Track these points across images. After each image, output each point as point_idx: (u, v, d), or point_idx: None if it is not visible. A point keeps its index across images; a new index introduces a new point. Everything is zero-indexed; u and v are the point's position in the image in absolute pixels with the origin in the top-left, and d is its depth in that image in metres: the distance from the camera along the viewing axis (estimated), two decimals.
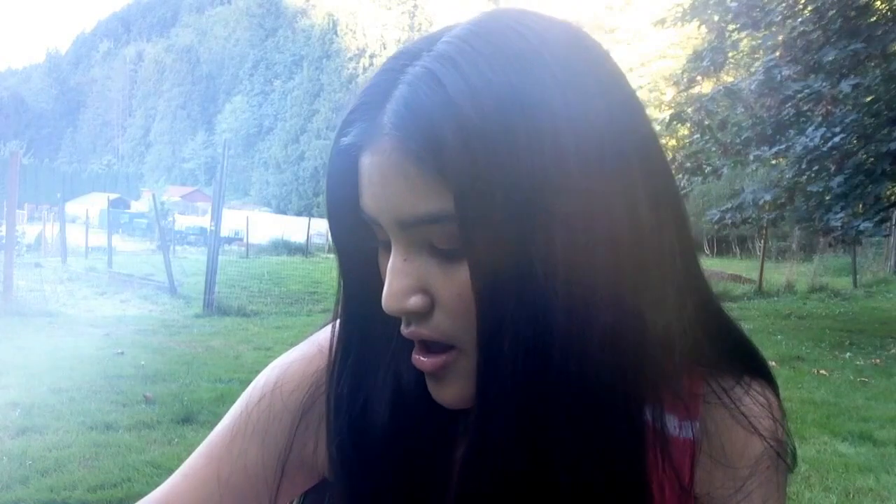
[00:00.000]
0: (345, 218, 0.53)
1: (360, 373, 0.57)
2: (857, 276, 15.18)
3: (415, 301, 0.49)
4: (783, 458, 0.58)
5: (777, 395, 0.61)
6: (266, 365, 0.61)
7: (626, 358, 0.48)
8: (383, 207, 0.49)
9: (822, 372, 6.36)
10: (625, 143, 0.48)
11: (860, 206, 7.76)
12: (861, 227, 7.73)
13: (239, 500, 0.61)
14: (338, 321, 0.60)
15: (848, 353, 7.32)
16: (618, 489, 0.49)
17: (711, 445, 0.56)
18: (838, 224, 7.83)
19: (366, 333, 0.57)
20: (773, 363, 6.65)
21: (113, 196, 35.34)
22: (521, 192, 0.45)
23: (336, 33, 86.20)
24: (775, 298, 12.70)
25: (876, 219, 7.81)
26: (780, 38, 8.58)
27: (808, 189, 8.26)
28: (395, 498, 0.55)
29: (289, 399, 0.61)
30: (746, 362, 0.60)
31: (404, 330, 0.51)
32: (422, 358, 0.51)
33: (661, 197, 0.50)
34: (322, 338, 0.63)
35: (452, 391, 0.51)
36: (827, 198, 7.98)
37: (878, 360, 6.96)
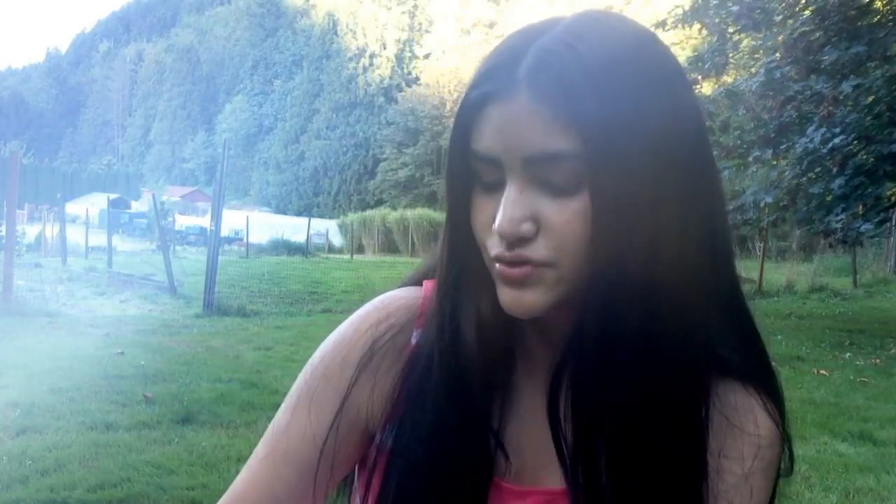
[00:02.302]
0: (459, 162, 0.61)
1: (457, 301, 0.65)
2: (857, 276, 15.18)
3: (526, 227, 0.58)
4: (775, 460, 0.66)
5: (779, 407, 0.67)
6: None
7: (696, 311, 0.60)
8: (511, 146, 0.57)
9: (822, 372, 6.37)
10: (701, 129, 0.62)
11: (860, 207, 7.75)
12: (862, 229, 7.71)
13: (299, 473, 0.66)
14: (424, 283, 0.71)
15: (848, 353, 7.32)
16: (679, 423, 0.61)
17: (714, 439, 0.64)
18: (839, 226, 7.81)
19: (464, 266, 0.65)
20: (773, 363, 6.66)
21: (113, 196, 35.31)
22: (637, 139, 0.56)
23: (336, 33, 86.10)
24: (775, 298, 12.70)
25: (876, 220, 7.79)
26: (780, 38, 8.57)
27: (810, 191, 8.25)
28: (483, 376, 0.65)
29: (347, 357, 0.68)
30: (756, 370, 0.67)
31: (507, 253, 0.59)
32: (510, 269, 0.59)
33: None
34: (383, 300, 0.72)
35: (533, 298, 0.59)
36: (828, 198, 7.97)
37: (878, 360, 6.96)
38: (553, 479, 0.65)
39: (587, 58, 0.56)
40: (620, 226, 0.57)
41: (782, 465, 0.67)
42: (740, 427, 0.64)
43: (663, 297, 0.58)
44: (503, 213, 0.58)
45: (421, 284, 0.73)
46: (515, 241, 0.58)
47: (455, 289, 0.65)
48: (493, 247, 0.60)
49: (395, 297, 0.72)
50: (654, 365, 0.59)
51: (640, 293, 0.58)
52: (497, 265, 0.60)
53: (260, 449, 0.69)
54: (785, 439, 0.67)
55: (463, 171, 0.62)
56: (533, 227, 0.58)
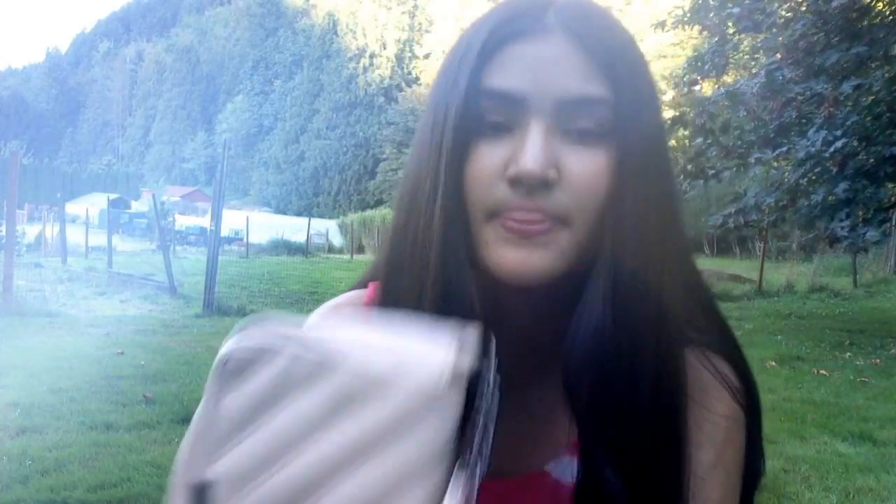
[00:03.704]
0: (462, 103, 0.57)
1: (446, 284, 0.58)
2: (857, 276, 15.17)
3: (552, 172, 0.54)
4: (744, 437, 0.61)
5: (747, 383, 0.63)
6: None
7: (678, 283, 0.59)
8: (545, 86, 0.55)
9: (822, 372, 6.36)
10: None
11: (861, 211, 7.71)
12: (867, 236, 7.65)
13: None
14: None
15: (848, 353, 7.31)
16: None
17: None
18: (845, 233, 7.75)
19: (451, 235, 0.57)
20: (773, 363, 6.67)
21: (113, 196, 35.29)
22: (654, 99, 0.59)
23: (336, 33, 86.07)
24: (775, 298, 12.70)
25: (877, 220, 7.77)
26: (780, 39, 8.57)
27: (812, 197, 8.19)
28: None
29: None
30: (720, 346, 0.63)
31: (525, 202, 0.54)
32: (525, 224, 0.55)
33: None
34: (328, 308, 0.69)
35: (544, 261, 0.55)
36: (830, 198, 7.94)
37: (878, 360, 6.96)
38: (528, 463, 0.62)
39: (610, 16, 0.59)
40: (642, 182, 0.56)
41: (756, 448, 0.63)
42: (708, 408, 0.59)
43: (668, 262, 0.57)
44: (529, 153, 0.54)
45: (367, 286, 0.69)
46: (538, 185, 0.54)
47: (443, 274, 0.57)
48: (504, 196, 0.55)
49: (339, 305, 0.68)
50: (651, 338, 0.56)
51: (653, 255, 0.56)
52: (507, 221, 0.55)
53: None
54: (754, 411, 0.62)
55: (465, 114, 0.56)
56: (556, 174, 0.55)
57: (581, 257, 0.56)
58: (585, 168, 0.55)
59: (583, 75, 0.55)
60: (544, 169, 0.54)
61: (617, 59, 0.56)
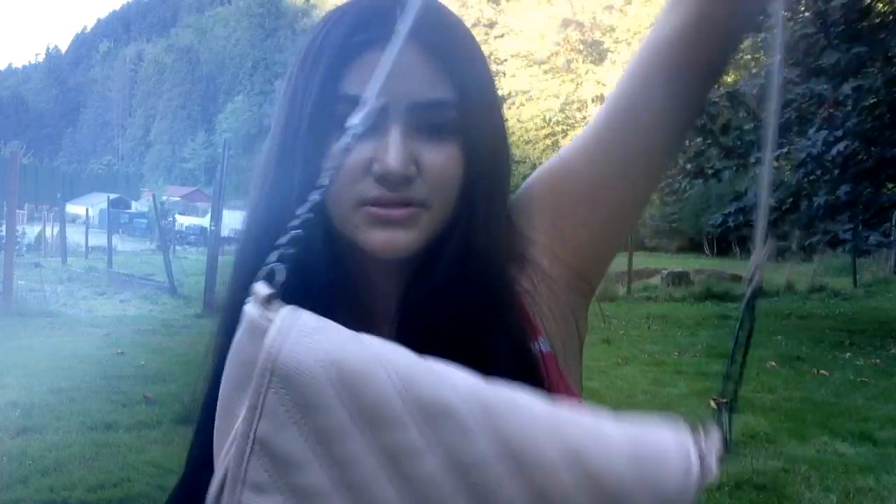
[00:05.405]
0: (324, 107, 0.63)
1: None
2: (857, 276, 15.13)
3: (412, 168, 0.62)
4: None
5: None
6: None
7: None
8: (398, 92, 0.61)
9: (822, 372, 6.36)
10: None
11: (862, 214, 7.69)
12: (871, 240, 7.63)
13: None
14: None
15: (848, 353, 7.31)
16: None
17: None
18: (848, 236, 7.74)
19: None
20: (773, 363, 6.66)
21: (113, 196, 35.27)
22: (493, 94, 0.68)
23: None
24: (775, 298, 12.68)
25: (877, 222, 7.77)
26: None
27: (813, 198, 8.18)
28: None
29: None
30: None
31: (390, 194, 0.62)
32: (391, 210, 0.62)
33: None
34: None
35: (408, 238, 0.63)
36: (831, 198, 7.93)
37: (878, 360, 6.96)
38: None
39: (452, 17, 0.66)
40: (489, 169, 0.66)
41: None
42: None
43: (503, 230, 0.68)
44: (393, 154, 0.61)
45: None
46: (401, 181, 0.61)
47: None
48: (371, 190, 0.62)
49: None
50: (494, 283, 0.66)
51: (496, 233, 0.66)
52: (371, 208, 0.62)
53: None
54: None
55: (327, 117, 0.63)
56: (415, 169, 0.62)
57: (436, 232, 0.65)
58: (439, 160, 0.63)
59: (430, 82, 0.62)
60: (405, 166, 0.61)
61: (460, 64, 0.64)
